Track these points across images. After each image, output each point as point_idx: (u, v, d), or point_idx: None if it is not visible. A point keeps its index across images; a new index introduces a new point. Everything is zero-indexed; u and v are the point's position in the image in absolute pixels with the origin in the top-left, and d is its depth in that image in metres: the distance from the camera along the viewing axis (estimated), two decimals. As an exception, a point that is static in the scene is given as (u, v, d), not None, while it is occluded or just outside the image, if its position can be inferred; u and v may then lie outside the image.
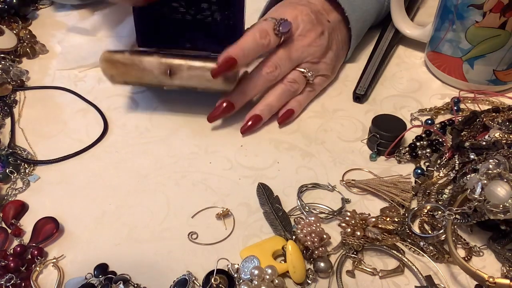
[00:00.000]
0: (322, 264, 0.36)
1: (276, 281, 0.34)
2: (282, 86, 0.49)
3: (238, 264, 0.36)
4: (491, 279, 0.32)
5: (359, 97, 0.53)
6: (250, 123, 0.48)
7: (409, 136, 0.47)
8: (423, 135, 0.47)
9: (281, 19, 0.47)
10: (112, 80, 0.48)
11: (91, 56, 0.57)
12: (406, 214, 0.40)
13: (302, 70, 0.50)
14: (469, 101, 0.52)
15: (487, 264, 0.37)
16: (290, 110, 0.50)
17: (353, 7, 0.53)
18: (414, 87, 0.55)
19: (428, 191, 0.42)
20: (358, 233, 0.37)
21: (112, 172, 0.45)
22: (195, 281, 0.36)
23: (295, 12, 0.49)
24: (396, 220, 0.39)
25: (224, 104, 0.47)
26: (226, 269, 0.36)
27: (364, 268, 0.37)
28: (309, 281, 0.36)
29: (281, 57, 0.48)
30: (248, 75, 0.48)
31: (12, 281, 0.36)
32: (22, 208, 0.42)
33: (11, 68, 0.56)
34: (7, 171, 0.44)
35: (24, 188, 0.44)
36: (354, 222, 0.38)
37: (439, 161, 0.44)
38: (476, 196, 0.35)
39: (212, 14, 0.52)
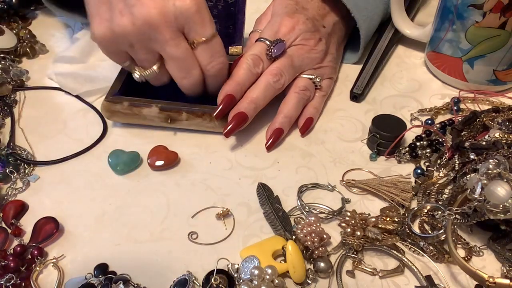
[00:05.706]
0: (322, 264, 0.36)
1: (276, 281, 0.34)
2: (296, 95, 0.48)
3: (238, 264, 0.36)
4: (491, 279, 0.32)
5: (356, 96, 0.53)
6: (273, 138, 0.47)
7: (409, 136, 0.47)
8: (423, 135, 0.47)
9: (275, 40, 0.47)
10: (115, 121, 0.50)
11: (87, 82, 0.54)
12: (406, 214, 0.40)
13: (310, 76, 0.50)
14: (469, 101, 0.52)
15: (487, 264, 0.37)
16: (310, 119, 0.49)
17: (358, 8, 0.53)
18: (414, 87, 0.55)
19: (428, 191, 0.42)
20: (358, 233, 0.37)
21: (112, 172, 0.45)
22: (195, 281, 0.36)
23: (291, 22, 0.49)
24: (396, 220, 0.39)
25: (238, 117, 0.45)
26: (226, 269, 0.36)
27: (364, 268, 0.37)
28: (309, 281, 0.36)
29: (285, 65, 0.47)
30: (256, 85, 0.47)
31: (12, 281, 0.36)
32: (22, 208, 0.42)
33: (11, 68, 0.56)
34: (7, 171, 0.44)
35: (24, 188, 0.44)
36: (354, 222, 0.38)
37: (439, 161, 0.44)
38: (476, 196, 0.35)
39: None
